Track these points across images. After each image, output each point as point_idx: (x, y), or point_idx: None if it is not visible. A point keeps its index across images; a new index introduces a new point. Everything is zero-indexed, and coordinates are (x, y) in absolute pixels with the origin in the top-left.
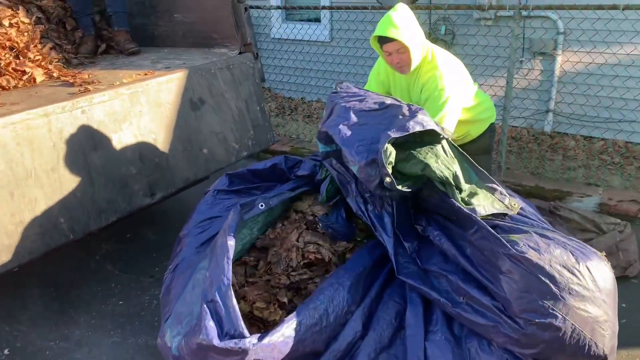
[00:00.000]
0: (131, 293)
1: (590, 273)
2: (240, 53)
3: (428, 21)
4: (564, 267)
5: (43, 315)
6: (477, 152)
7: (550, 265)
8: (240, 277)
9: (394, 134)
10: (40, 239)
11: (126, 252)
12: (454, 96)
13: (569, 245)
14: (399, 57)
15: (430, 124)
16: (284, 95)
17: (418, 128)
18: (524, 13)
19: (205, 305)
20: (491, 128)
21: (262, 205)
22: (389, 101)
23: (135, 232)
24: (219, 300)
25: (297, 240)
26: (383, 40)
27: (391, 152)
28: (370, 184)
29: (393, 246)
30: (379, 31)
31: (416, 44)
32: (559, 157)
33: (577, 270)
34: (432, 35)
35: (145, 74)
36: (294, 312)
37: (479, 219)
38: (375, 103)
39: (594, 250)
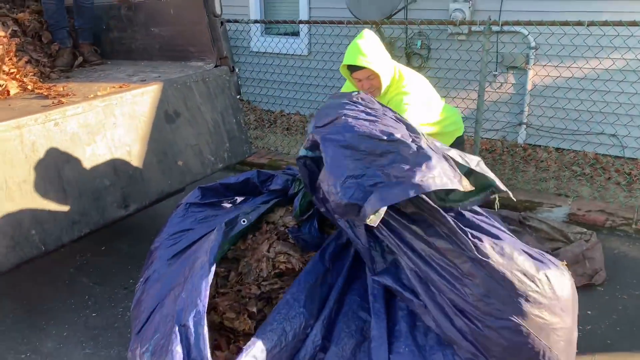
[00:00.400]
0: (105, 305)
1: (549, 281)
2: (216, 66)
3: (404, 36)
4: (525, 275)
5: (14, 327)
6: None
7: (511, 272)
8: (211, 289)
9: (388, 202)
10: (11, 251)
11: (100, 265)
12: (413, 117)
13: (530, 253)
14: (370, 83)
15: (437, 182)
16: (263, 108)
17: (412, 194)
18: (495, 28)
19: (176, 328)
20: (458, 141)
21: (244, 221)
22: (398, 135)
23: (110, 244)
24: (191, 326)
25: (268, 251)
26: (353, 68)
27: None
28: (343, 216)
29: (367, 241)
30: (348, 60)
31: (385, 69)
32: (532, 169)
33: (537, 278)
34: (408, 49)
35: (120, 87)
36: (253, 338)
37: (444, 214)
38: (383, 132)
39: (554, 259)
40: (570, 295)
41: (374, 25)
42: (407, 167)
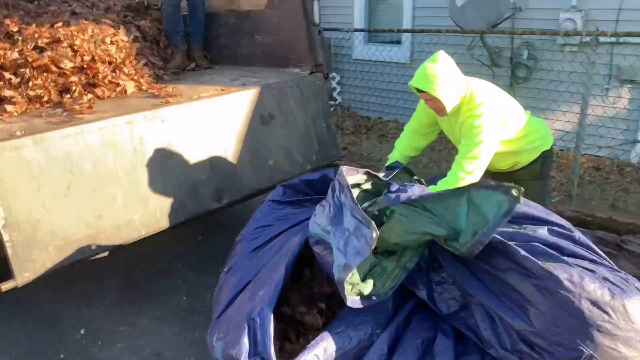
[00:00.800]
0: (195, 290)
1: (626, 311)
2: (311, 73)
3: (510, 45)
4: (595, 304)
5: (116, 303)
6: (528, 177)
7: (580, 301)
8: (287, 282)
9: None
10: (116, 233)
11: (196, 253)
12: (488, 140)
13: (609, 280)
14: (433, 104)
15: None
16: (361, 115)
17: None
18: (609, 40)
19: (247, 321)
20: (544, 155)
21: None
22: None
23: (207, 235)
24: (259, 321)
25: None
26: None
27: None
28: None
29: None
30: (414, 81)
31: (447, 94)
32: None
33: (610, 307)
34: (515, 60)
35: (222, 90)
36: (317, 338)
37: (511, 245)
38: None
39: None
40: None
41: (478, 34)
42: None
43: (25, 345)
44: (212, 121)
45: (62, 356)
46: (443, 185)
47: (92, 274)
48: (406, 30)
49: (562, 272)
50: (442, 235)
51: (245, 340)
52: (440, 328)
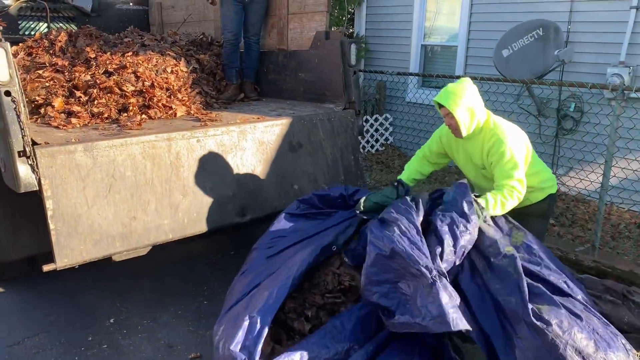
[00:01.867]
0: (216, 296)
1: None
2: (344, 109)
3: (558, 97)
4: (579, 353)
5: (145, 300)
6: (533, 214)
7: (565, 347)
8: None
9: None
10: (146, 234)
11: (224, 265)
12: (520, 161)
13: (599, 332)
14: (449, 121)
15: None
16: (410, 155)
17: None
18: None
19: (246, 317)
20: (551, 197)
21: (334, 248)
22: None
23: (238, 250)
24: (257, 321)
25: (338, 268)
26: (440, 104)
27: None
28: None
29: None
30: (437, 97)
31: (463, 115)
32: None
33: (593, 358)
34: (562, 112)
35: (257, 118)
36: (296, 345)
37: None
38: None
39: (628, 345)
40: None
41: (525, 84)
42: (419, 303)
43: (62, 325)
44: (243, 144)
45: (90, 338)
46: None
47: (129, 272)
48: (457, 77)
49: (553, 314)
50: None
51: (240, 334)
52: (420, 353)
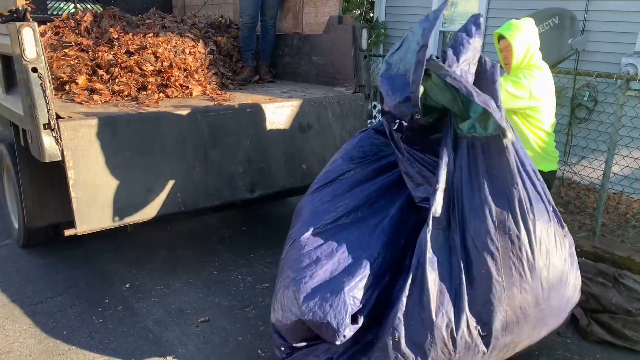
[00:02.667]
0: (226, 267)
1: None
2: (354, 92)
3: (572, 86)
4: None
5: (160, 268)
6: None
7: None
8: None
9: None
10: (160, 205)
11: (236, 239)
12: (522, 91)
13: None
14: (506, 53)
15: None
16: None
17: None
18: None
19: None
20: (550, 174)
21: None
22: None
23: (250, 226)
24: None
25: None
26: (501, 37)
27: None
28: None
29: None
30: (500, 29)
31: (520, 46)
32: None
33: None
34: (576, 100)
35: (269, 99)
36: None
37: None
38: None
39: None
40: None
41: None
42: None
43: (82, 288)
44: (254, 123)
45: (107, 301)
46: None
47: (146, 242)
48: None
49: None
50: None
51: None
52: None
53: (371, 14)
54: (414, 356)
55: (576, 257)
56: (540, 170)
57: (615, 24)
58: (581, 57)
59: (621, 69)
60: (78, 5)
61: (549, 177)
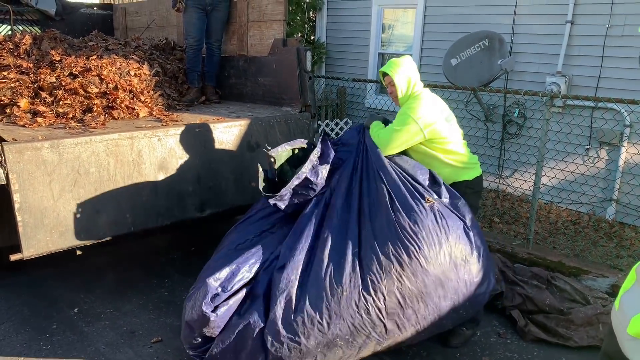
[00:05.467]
0: (177, 288)
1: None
2: (300, 112)
3: (503, 104)
4: None
5: (108, 291)
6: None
7: None
8: None
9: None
10: (109, 227)
11: (185, 260)
12: (409, 128)
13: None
14: (391, 88)
15: None
16: None
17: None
18: (590, 104)
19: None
20: (467, 184)
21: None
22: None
23: (199, 247)
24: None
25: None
26: (385, 74)
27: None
28: None
29: None
30: (383, 67)
31: (402, 80)
32: (613, 245)
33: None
34: (507, 117)
35: (217, 119)
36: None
37: None
38: None
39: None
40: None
41: (472, 91)
42: None
43: (26, 315)
44: (202, 143)
45: (54, 326)
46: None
47: (94, 266)
48: None
49: None
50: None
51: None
52: None
53: (312, 36)
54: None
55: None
56: (466, 180)
57: (539, 46)
58: (510, 76)
59: (546, 88)
60: (15, 27)
61: (475, 184)
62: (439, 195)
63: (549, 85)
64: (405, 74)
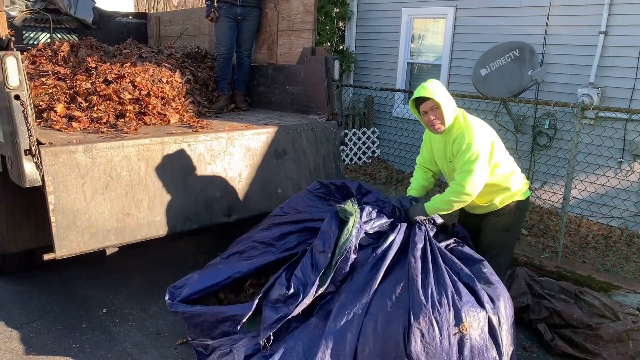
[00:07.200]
0: None
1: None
2: (327, 120)
3: (534, 115)
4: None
5: (136, 293)
6: (496, 226)
7: None
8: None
9: None
10: (138, 230)
11: None
12: (482, 153)
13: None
14: (434, 113)
15: None
16: (396, 168)
17: None
18: (626, 116)
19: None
20: (519, 205)
21: None
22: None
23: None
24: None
25: None
26: (419, 102)
27: None
28: None
29: None
30: (416, 94)
31: (447, 103)
32: None
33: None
34: (537, 128)
35: (245, 127)
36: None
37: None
38: None
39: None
40: None
41: (502, 102)
42: None
43: (57, 313)
44: (231, 150)
45: (84, 325)
46: (435, 202)
47: (122, 268)
48: None
49: None
50: None
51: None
52: None
53: (342, 46)
54: None
55: None
56: (519, 201)
57: (572, 57)
58: (541, 87)
59: (577, 99)
60: (54, 35)
61: (526, 204)
62: None
63: (580, 97)
64: (446, 94)
